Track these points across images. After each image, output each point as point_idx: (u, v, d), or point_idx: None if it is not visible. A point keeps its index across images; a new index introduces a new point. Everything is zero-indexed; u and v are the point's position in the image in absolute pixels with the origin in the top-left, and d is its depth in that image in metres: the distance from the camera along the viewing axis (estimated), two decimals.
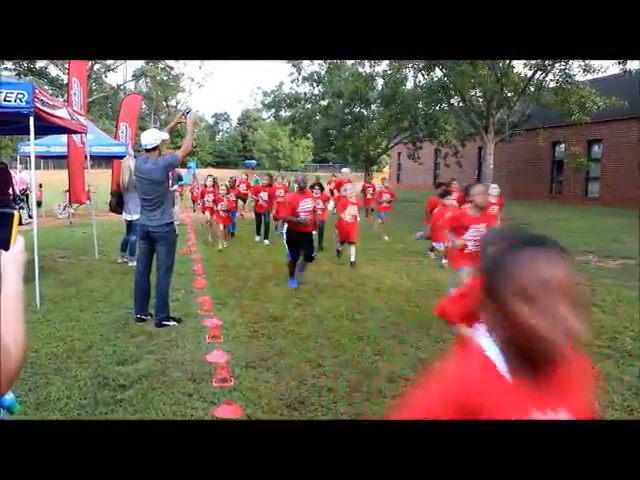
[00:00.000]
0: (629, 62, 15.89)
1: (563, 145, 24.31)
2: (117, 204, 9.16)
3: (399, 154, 39.32)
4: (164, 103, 60.95)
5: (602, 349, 5.10)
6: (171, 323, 5.62)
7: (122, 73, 57.71)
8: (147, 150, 5.65)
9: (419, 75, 21.97)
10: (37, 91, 6.27)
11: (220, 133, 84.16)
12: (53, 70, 46.77)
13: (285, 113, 29.89)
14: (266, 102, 30.42)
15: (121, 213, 9.17)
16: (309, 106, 28.62)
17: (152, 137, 5.63)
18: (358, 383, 4.11)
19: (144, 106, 53.69)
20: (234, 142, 76.80)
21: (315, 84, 28.13)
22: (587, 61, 18.26)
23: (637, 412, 3.75)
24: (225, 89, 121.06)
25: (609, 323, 6.02)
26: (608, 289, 7.79)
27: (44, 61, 46.25)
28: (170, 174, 5.86)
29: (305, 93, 28.69)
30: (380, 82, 25.01)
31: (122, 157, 11.99)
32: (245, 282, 7.75)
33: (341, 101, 26.43)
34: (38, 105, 6.25)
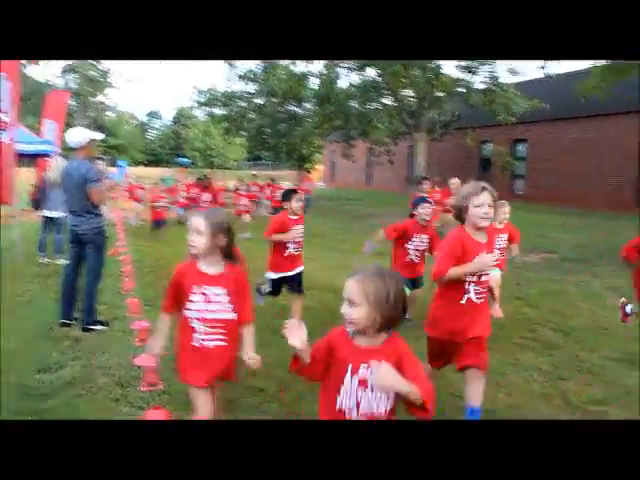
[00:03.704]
0: (551, 67, 16.67)
1: (491, 144, 25.23)
2: (39, 199, 9.02)
3: (333, 152, 39.65)
4: (90, 99, 58.73)
5: (523, 340, 5.35)
6: (98, 327, 5.46)
7: (44, 66, 54.32)
8: (72, 149, 5.44)
9: (352, 74, 22.21)
10: None
11: (152, 131, 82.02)
12: None
13: (220, 111, 29.46)
14: (201, 100, 29.84)
15: (39, 208, 9.01)
16: (244, 104, 28.32)
17: (77, 136, 5.41)
18: (289, 382, 4.11)
19: (73, 103, 51.67)
20: (166, 140, 75.07)
21: (249, 82, 27.87)
22: (512, 64, 19.02)
23: (553, 398, 3.97)
24: (159, 86, 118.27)
25: (532, 316, 6.31)
26: (532, 283, 8.15)
27: None
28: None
29: (240, 91, 28.38)
30: (314, 81, 25.10)
31: (46, 155, 11.56)
32: None
33: (275, 99, 26.30)
34: None
